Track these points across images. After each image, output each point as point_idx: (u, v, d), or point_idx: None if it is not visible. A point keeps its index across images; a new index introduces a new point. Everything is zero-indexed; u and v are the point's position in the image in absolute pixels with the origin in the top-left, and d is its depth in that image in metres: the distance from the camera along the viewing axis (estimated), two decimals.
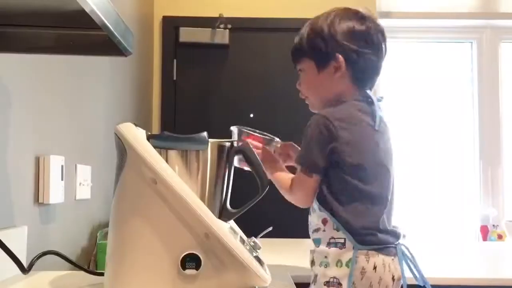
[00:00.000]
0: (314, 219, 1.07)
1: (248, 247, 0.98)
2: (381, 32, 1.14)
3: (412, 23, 3.15)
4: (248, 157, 1.04)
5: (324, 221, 1.03)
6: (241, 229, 1.09)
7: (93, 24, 0.75)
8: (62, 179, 1.36)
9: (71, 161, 1.47)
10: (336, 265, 0.99)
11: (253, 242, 1.00)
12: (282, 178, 1.14)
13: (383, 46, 1.14)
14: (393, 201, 1.12)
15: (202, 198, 0.95)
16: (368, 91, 1.12)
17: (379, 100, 1.12)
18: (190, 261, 0.89)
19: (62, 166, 1.36)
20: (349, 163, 1.03)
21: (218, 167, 1.01)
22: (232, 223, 1.05)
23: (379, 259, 1.01)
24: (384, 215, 1.07)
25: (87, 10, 0.70)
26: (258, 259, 0.97)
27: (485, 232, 2.97)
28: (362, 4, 2.56)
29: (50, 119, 1.36)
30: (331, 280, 0.98)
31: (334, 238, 1.01)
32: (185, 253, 0.89)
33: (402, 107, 3.18)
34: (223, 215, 1.01)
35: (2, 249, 0.97)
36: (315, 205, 1.07)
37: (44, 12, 0.83)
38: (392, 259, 1.03)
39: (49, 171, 1.27)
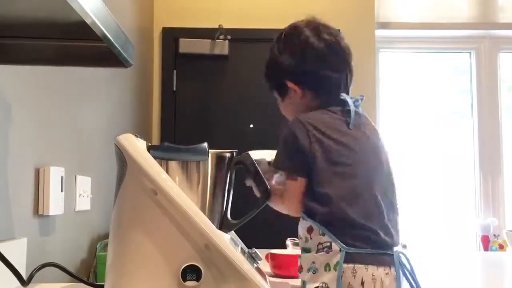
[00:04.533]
0: (300, 229, 1.03)
1: (248, 258, 0.97)
2: (328, 42, 1.08)
3: (410, 33, 3.16)
4: (248, 168, 1.04)
5: (310, 230, 1.00)
6: (241, 240, 1.09)
7: (93, 36, 0.76)
8: (62, 191, 1.36)
9: (71, 172, 1.47)
10: (325, 270, 0.96)
11: (254, 253, 1.00)
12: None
13: (334, 56, 1.09)
14: (393, 201, 1.05)
15: (202, 209, 0.94)
16: (342, 95, 1.08)
17: (361, 99, 1.09)
18: (191, 272, 0.88)
19: (62, 177, 1.36)
20: (326, 164, 1.00)
21: (218, 177, 1.01)
22: (232, 234, 1.05)
23: (367, 273, 0.93)
24: (378, 213, 0.99)
25: (88, 21, 0.70)
26: (259, 270, 0.97)
27: (486, 242, 2.96)
28: (361, 15, 2.58)
29: (50, 130, 1.36)
30: (320, 285, 0.95)
31: (321, 244, 0.98)
32: (185, 265, 0.88)
33: (401, 117, 3.18)
34: (223, 226, 1.01)
35: (2, 261, 0.96)
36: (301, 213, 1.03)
37: (44, 24, 0.83)
38: (386, 273, 0.94)
39: (49, 182, 1.27)
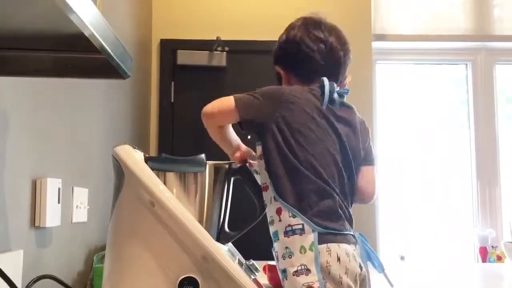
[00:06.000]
0: (269, 211, 1.05)
1: (246, 270, 0.97)
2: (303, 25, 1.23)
3: (407, 45, 3.18)
4: (247, 178, 1.04)
5: (279, 211, 1.01)
6: (239, 251, 1.08)
7: (92, 48, 0.76)
8: (59, 202, 1.35)
9: (68, 183, 1.47)
10: (300, 252, 0.97)
11: (252, 264, 1.00)
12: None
13: (306, 37, 1.21)
14: (351, 190, 1.11)
15: (200, 220, 0.94)
16: (324, 80, 1.15)
17: (345, 93, 1.16)
18: (188, 284, 0.88)
19: (59, 188, 1.36)
20: (292, 129, 1.06)
21: (216, 189, 1.01)
22: (230, 245, 1.05)
23: (341, 250, 0.99)
24: (340, 200, 1.06)
25: (86, 33, 0.70)
26: (256, 282, 0.96)
27: (484, 253, 2.96)
28: (358, 27, 2.61)
29: (47, 142, 1.36)
30: (299, 268, 0.97)
31: (291, 226, 0.99)
32: (183, 276, 0.88)
33: (398, 128, 3.19)
34: (221, 237, 1.00)
35: None
36: (271, 195, 1.04)
37: (43, 36, 0.83)
38: (354, 249, 1.02)
39: (46, 194, 1.27)
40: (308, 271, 0.96)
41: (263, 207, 1.04)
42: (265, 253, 1.52)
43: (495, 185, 3.10)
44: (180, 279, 0.88)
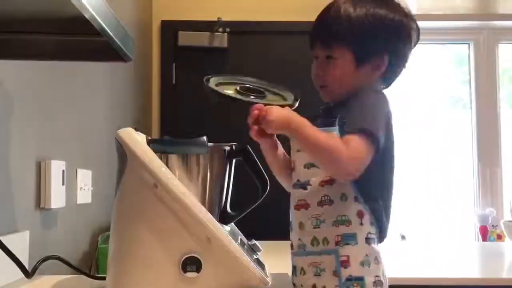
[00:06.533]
0: (339, 210, 0.94)
1: (248, 250, 0.98)
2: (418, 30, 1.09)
3: None
4: (248, 160, 1.05)
5: (361, 214, 0.93)
6: (241, 231, 1.10)
7: (93, 30, 0.76)
8: (63, 184, 1.37)
9: (72, 165, 1.48)
10: (374, 263, 0.94)
11: (254, 244, 1.01)
12: (324, 136, 0.91)
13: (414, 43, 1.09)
14: None
15: (202, 201, 0.95)
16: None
17: None
18: (191, 264, 0.89)
19: (63, 171, 1.37)
20: (391, 153, 1.03)
21: (218, 170, 1.02)
22: (232, 225, 1.06)
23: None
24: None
25: (86, 16, 0.71)
26: (258, 261, 0.98)
27: (484, 232, 2.98)
28: None
29: (51, 125, 1.37)
30: (376, 279, 0.92)
31: (371, 234, 0.94)
32: (186, 256, 0.89)
33: (399, 108, 3.18)
34: (223, 218, 1.02)
35: (6, 253, 0.98)
36: (352, 194, 0.94)
37: (43, 19, 0.83)
38: None
39: (50, 176, 1.28)
40: (381, 283, 0.93)
41: (264, 187, 1.05)
42: (267, 233, 1.54)
43: (496, 164, 3.11)
44: (183, 259, 0.89)
